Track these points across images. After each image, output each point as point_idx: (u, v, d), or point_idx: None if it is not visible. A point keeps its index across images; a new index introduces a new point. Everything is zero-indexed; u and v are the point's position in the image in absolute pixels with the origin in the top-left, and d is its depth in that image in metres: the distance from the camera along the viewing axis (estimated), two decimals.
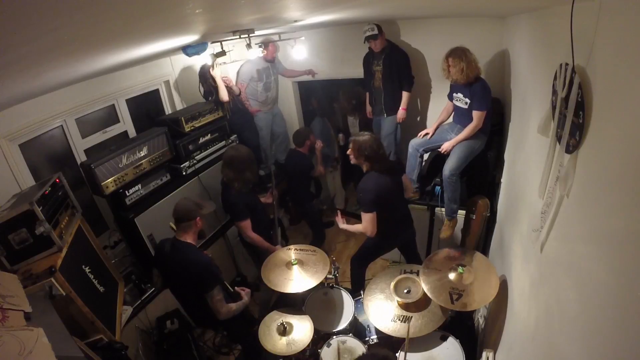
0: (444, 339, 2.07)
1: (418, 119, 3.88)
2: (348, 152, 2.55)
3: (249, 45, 2.81)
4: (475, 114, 2.65)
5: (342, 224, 2.72)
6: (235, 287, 2.44)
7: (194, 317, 2.50)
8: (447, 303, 1.94)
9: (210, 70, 3.35)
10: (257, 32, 2.77)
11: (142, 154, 2.75)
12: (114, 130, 3.13)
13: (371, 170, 2.48)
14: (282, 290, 2.31)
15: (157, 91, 3.53)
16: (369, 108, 3.80)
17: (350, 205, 4.60)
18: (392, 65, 3.34)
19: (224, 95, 3.40)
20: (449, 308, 1.98)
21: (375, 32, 3.19)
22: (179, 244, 2.18)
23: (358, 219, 2.64)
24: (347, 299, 2.55)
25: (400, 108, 3.45)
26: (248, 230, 2.74)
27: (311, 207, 3.90)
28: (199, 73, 3.48)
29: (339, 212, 2.76)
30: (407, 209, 2.81)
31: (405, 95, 3.41)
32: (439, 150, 2.91)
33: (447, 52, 2.64)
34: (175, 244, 2.19)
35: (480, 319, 2.55)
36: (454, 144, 2.79)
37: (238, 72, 3.92)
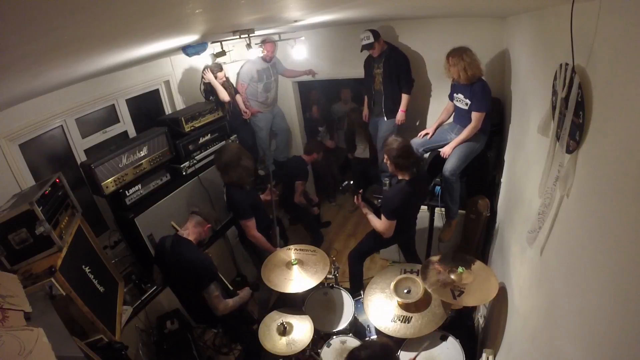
0: (444, 339, 2.07)
1: (418, 119, 3.87)
2: (385, 160, 2.52)
3: (249, 45, 2.81)
4: (474, 114, 2.65)
5: (366, 211, 2.67)
6: (236, 290, 2.45)
7: (193, 314, 2.51)
8: (449, 299, 1.94)
9: (203, 79, 3.43)
10: (257, 32, 2.77)
11: (142, 154, 2.74)
12: (114, 130, 3.13)
13: (402, 180, 2.47)
14: (282, 290, 2.31)
15: (157, 91, 3.53)
16: (365, 111, 3.81)
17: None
18: (392, 68, 3.34)
19: (223, 96, 3.42)
20: (451, 303, 1.98)
21: (371, 40, 3.21)
22: (179, 240, 2.22)
23: (372, 207, 2.66)
24: (347, 299, 2.55)
25: (399, 110, 3.45)
26: (252, 230, 2.74)
27: (304, 211, 3.92)
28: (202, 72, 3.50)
29: (359, 196, 2.70)
30: (416, 215, 2.84)
31: (404, 97, 3.41)
32: (441, 154, 2.91)
33: (449, 51, 2.64)
34: (175, 239, 2.23)
35: (480, 319, 2.55)
36: (453, 146, 2.79)
37: (238, 73, 3.93)
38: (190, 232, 2.27)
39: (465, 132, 2.72)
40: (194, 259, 2.17)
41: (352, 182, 2.81)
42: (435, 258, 2.28)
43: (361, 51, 3.34)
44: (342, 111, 4.83)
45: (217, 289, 2.21)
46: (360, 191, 2.69)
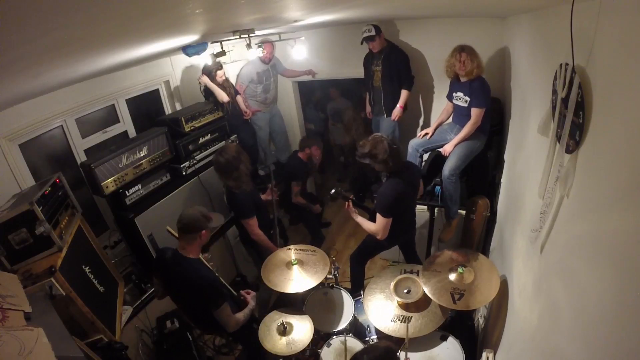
0: (444, 339, 2.07)
1: (420, 119, 3.88)
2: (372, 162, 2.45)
3: (249, 46, 2.81)
4: (474, 111, 2.66)
5: (356, 216, 2.64)
6: (240, 291, 2.42)
7: (199, 326, 2.43)
8: (449, 303, 1.93)
9: (199, 84, 3.44)
10: (257, 32, 2.77)
11: (142, 154, 2.74)
12: (114, 130, 3.13)
13: (392, 176, 2.44)
14: (282, 290, 2.30)
15: (157, 91, 3.53)
16: (368, 108, 3.81)
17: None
18: (392, 66, 3.34)
19: (222, 97, 3.42)
20: (451, 308, 1.98)
21: (373, 33, 3.19)
22: (182, 260, 2.04)
23: (367, 212, 2.62)
24: (347, 299, 2.55)
25: (397, 105, 3.43)
26: (255, 228, 2.72)
27: (304, 211, 3.92)
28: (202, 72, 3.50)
29: (349, 202, 2.66)
30: (414, 212, 2.82)
31: (404, 93, 3.40)
32: (442, 153, 2.90)
33: (459, 48, 2.60)
34: (177, 258, 2.05)
35: (480, 319, 2.55)
36: (454, 144, 2.79)
37: (238, 74, 3.95)
38: (187, 250, 2.06)
39: (466, 129, 2.72)
40: (201, 281, 2.02)
41: (340, 188, 2.78)
42: (438, 253, 2.28)
43: (361, 43, 3.32)
44: (335, 108, 5.08)
45: (228, 306, 2.08)
46: (352, 197, 2.68)
